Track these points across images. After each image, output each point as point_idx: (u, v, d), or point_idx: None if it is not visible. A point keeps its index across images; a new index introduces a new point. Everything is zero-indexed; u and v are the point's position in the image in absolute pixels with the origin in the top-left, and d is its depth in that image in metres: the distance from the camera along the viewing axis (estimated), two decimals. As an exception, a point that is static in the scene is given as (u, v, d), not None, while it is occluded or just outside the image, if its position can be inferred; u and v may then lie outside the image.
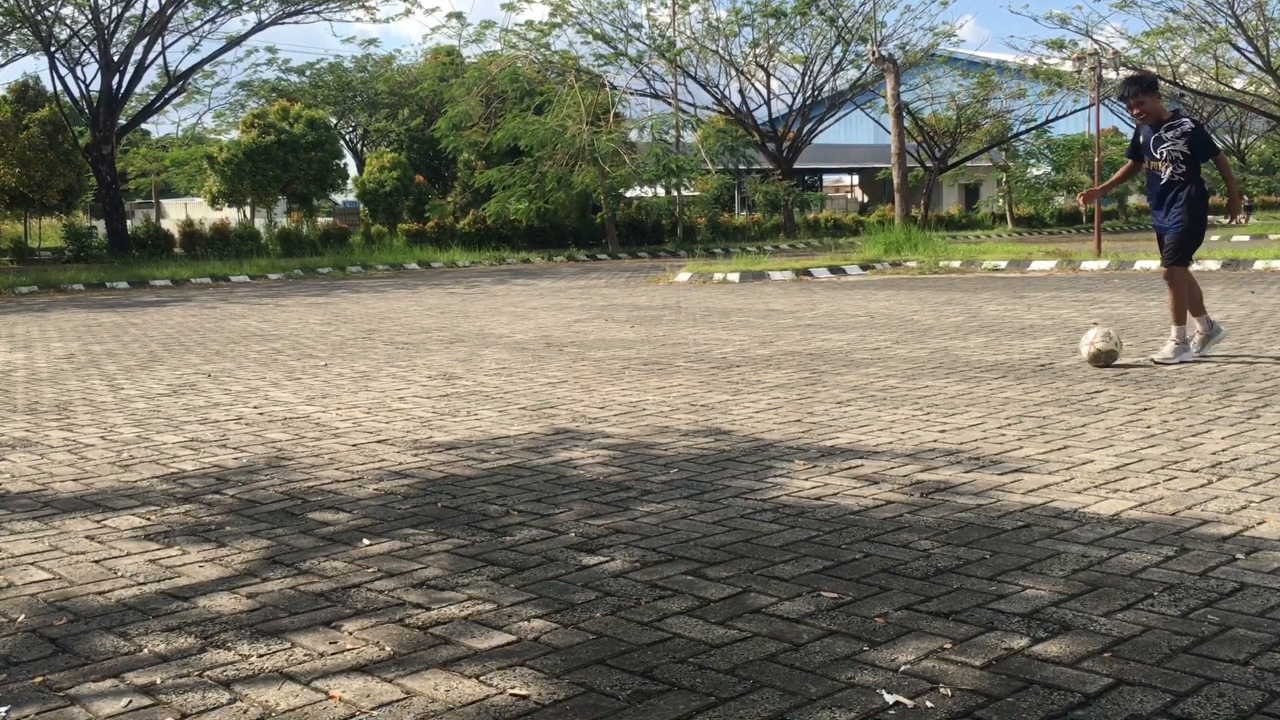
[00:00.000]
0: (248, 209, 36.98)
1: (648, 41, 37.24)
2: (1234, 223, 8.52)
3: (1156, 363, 7.92)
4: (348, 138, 47.36)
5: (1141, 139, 8.18)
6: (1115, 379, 7.39)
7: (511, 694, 2.76)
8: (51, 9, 30.59)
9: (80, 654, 3.09)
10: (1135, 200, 55.98)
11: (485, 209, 33.04)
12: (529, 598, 3.44)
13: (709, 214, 37.41)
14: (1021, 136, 45.68)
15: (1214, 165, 8.06)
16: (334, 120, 43.68)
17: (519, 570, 3.71)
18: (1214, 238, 32.13)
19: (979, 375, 7.76)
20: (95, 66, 31.44)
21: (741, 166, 40.28)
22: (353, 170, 42.10)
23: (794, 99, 40.98)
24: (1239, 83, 38.31)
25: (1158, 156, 8.04)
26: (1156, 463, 4.98)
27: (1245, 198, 53.30)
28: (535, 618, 3.27)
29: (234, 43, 34.45)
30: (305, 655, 3.04)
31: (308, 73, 45.26)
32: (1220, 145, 8.45)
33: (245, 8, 32.90)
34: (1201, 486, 4.54)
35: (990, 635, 3.05)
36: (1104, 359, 7.79)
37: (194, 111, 66.41)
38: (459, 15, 49.68)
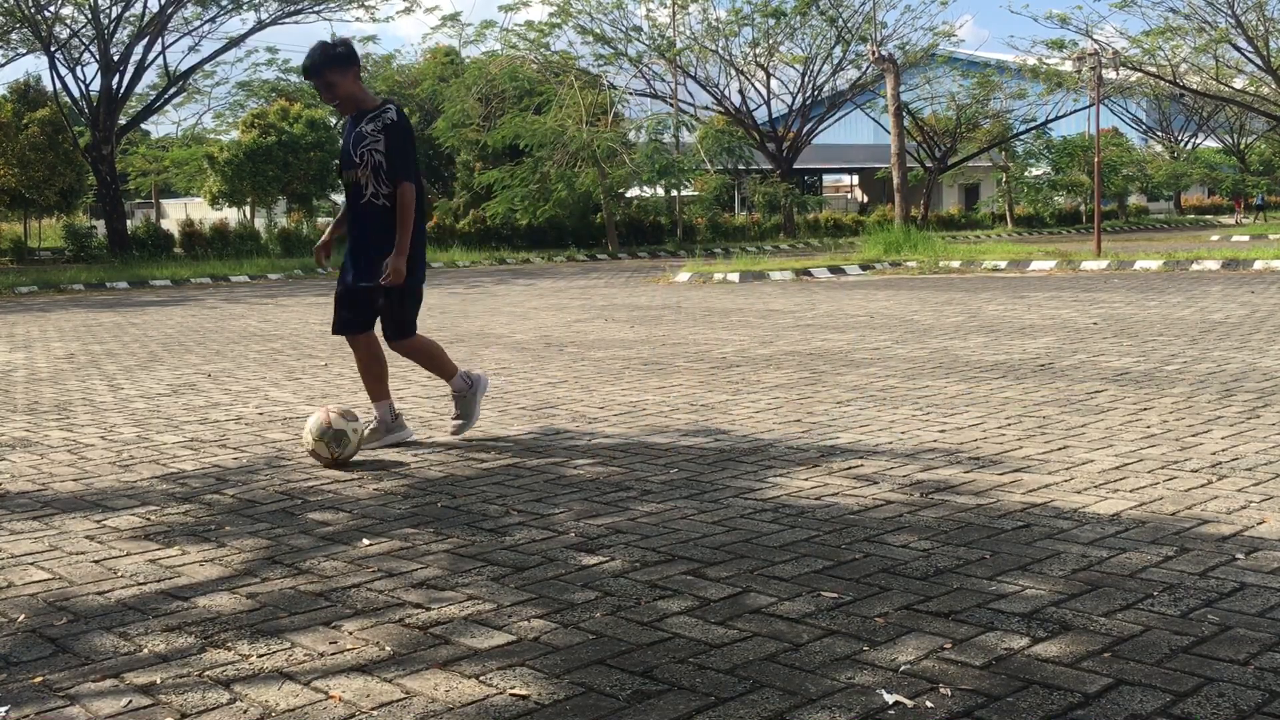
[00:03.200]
0: (248, 209, 36.99)
1: (647, 42, 37.25)
2: (383, 281, 5.31)
3: (454, 434, 6.04)
4: (347, 137, 47.29)
5: (342, 140, 5.77)
6: (1115, 379, 7.39)
7: (511, 694, 2.76)
8: (51, 9, 30.61)
9: (80, 654, 3.09)
10: (1135, 200, 55.97)
11: (486, 208, 33.03)
12: (528, 598, 3.44)
13: (709, 214, 37.41)
14: (1021, 136, 45.70)
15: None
16: (333, 120, 43.64)
17: (518, 570, 3.71)
18: (1214, 237, 32.18)
19: (979, 375, 7.76)
20: (95, 66, 31.50)
21: (741, 167, 40.31)
22: (353, 170, 42.01)
23: (794, 99, 41.00)
24: (1239, 83, 38.33)
25: (358, 161, 5.53)
26: (1156, 463, 4.98)
27: (1250, 197, 53.18)
28: (535, 618, 3.27)
29: (234, 43, 34.49)
30: (305, 655, 3.04)
31: (308, 73, 45.21)
32: (419, 168, 5.65)
33: (245, 8, 32.93)
34: (1201, 486, 4.54)
35: (990, 635, 3.05)
36: (329, 456, 5.33)
37: (194, 111, 66.46)
38: (455, 17, 49.58)
